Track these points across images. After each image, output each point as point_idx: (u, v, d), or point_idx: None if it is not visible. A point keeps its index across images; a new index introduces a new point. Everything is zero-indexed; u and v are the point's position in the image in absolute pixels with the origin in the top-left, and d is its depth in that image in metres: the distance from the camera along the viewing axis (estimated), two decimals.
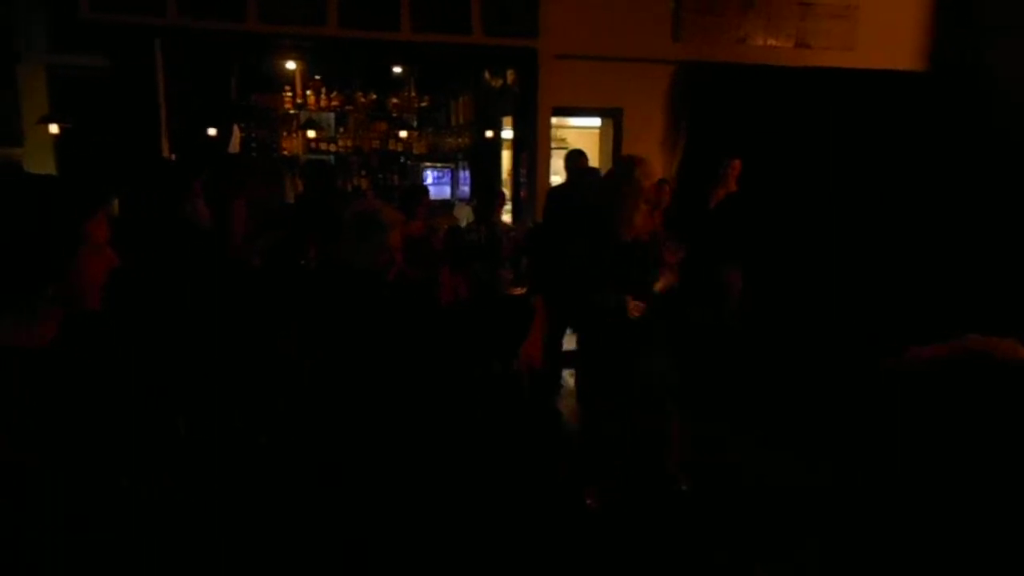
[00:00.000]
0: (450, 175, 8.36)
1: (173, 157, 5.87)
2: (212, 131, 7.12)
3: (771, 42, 6.83)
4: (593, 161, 6.94)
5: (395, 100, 8.29)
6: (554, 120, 7.14)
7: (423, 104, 8.42)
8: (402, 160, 8.43)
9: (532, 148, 6.54)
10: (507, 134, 7.58)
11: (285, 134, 8.02)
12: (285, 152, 7.94)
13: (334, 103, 8.10)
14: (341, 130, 8.31)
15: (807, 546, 2.97)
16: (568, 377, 6.13)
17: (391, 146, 8.32)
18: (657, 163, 6.80)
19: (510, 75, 6.97)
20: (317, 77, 8.01)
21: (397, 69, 8.28)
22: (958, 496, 0.54)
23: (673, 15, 6.62)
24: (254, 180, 5.48)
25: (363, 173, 8.20)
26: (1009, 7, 6.74)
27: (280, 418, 2.37)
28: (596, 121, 7.48)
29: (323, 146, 8.12)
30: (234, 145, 7.38)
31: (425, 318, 2.72)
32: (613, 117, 6.90)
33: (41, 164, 6.77)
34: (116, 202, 4.18)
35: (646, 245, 3.80)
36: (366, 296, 2.50)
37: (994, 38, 6.81)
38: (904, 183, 6.53)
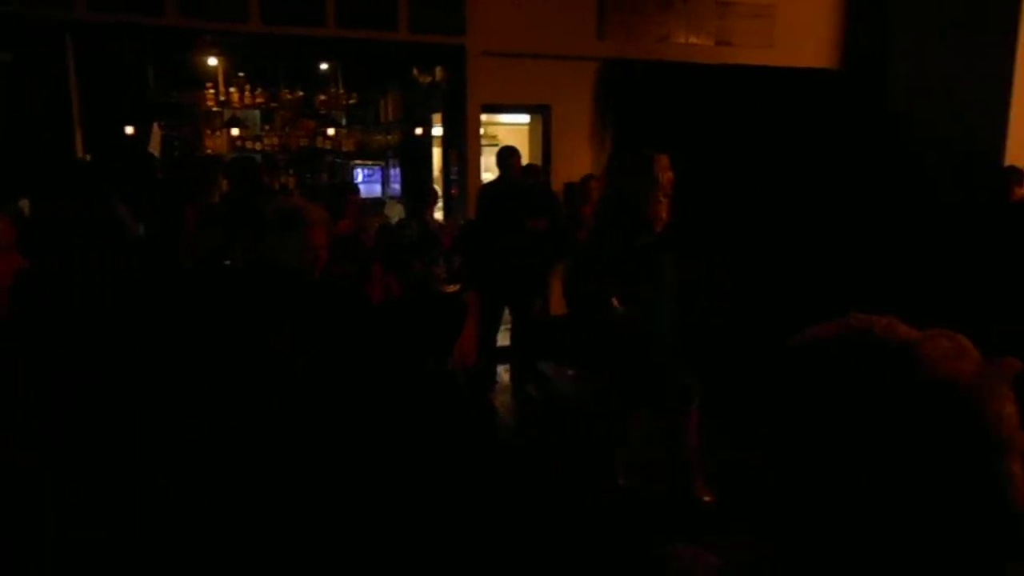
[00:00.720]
0: (380, 173, 8.29)
1: (88, 157, 5.65)
2: (129, 130, 6.88)
3: (692, 40, 7.01)
4: (524, 158, 7.01)
5: (322, 97, 8.17)
6: (484, 117, 7.16)
7: (351, 101, 8.32)
8: (331, 158, 8.31)
9: (462, 145, 6.55)
10: (437, 131, 7.57)
11: (208, 132, 7.80)
12: (209, 150, 7.72)
13: (259, 100, 7.93)
14: (267, 128, 8.13)
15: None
16: (503, 373, 6.18)
17: (319, 144, 8.19)
18: (585, 159, 6.93)
19: (439, 72, 6.96)
20: (241, 74, 7.82)
21: (324, 66, 8.17)
22: (839, 473, 0.58)
23: (597, 13, 6.73)
24: (209, 185, 5.37)
25: (290, 171, 8.05)
26: (914, 9, 7.09)
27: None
28: (525, 118, 7.55)
29: (248, 144, 7.93)
30: (154, 144, 7.14)
31: (354, 316, 2.70)
32: (542, 114, 6.97)
33: None
34: (27, 203, 4.01)
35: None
36: (290, 294, 2.47)
37: (900, 38, 7.16)
38: (818, 176, 6.82)
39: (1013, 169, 6.28)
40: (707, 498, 3.89)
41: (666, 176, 3.81)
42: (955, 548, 0.54)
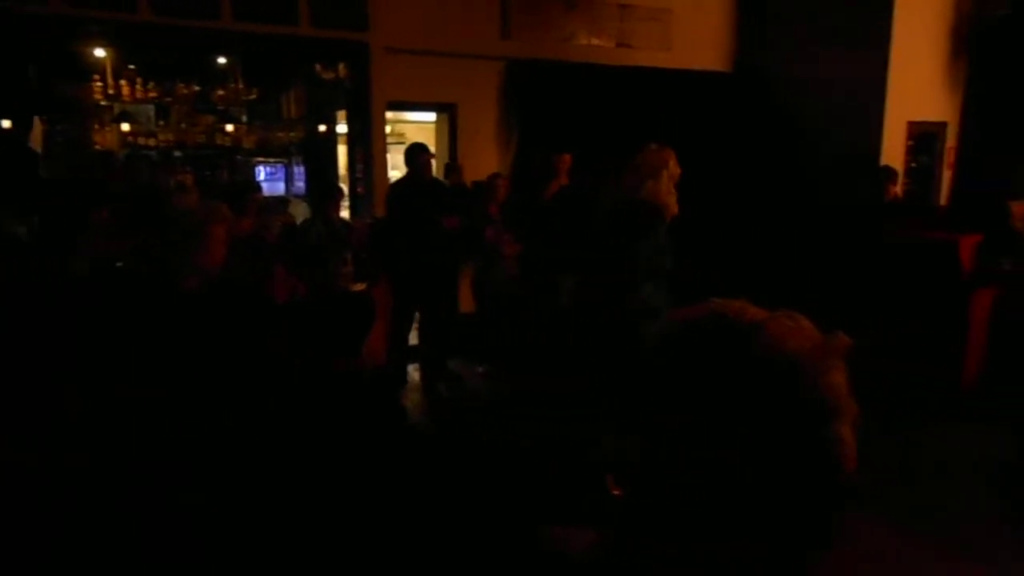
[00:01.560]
0: (284, 171, 8.09)
1: None
2: (6, 123, 6.45)
3: (594, 41, 7.19)
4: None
5: (220, 92, 7.89)
6: (390, 115, 7.12)
7: (251, 97, 8.07)
8: (234, 156, 8.05)
9: (368, 143, 6.49)
10: (342, 128, 7.46)
11: (97, 127, 7.40)
12: (98, 146, 7.33)
13: (152, 94, 7.58)
14: (161, 124, 7.80)
15: None
16: (413, 372, 6.16)
17: (218, 140, 7.91)
18: (491, 158, 6.99)
19: (342, 68, 6.86)
20: (132, 66, 7.46)
21: (222, 60, 7.89)
22: (696, 440, 0.64)
23: (501, 13, 6.80)
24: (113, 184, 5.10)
25: (188, 169, 7.75)
26: (796, 18, 7.51)
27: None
28: (432, 116, 7.55)
29: (141, 140, 7.58)
30: (35, 139, 6.72)
31: (255, 318, 2.65)
32: (448, 112, 6.99)
33: None
34: None
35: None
36: (187, 298, 2.41)
37: (784, 45, 7.57)
38: (713, 174, 7.13)
39: (887, 169, 6.77)
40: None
41: (677, 171, 4.09)
42: (791, 502, 0.61)
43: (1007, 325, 5.40)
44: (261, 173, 8.00)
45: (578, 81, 6.95)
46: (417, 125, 8.79)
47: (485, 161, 6.88)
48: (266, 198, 6.39)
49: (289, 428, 2.47)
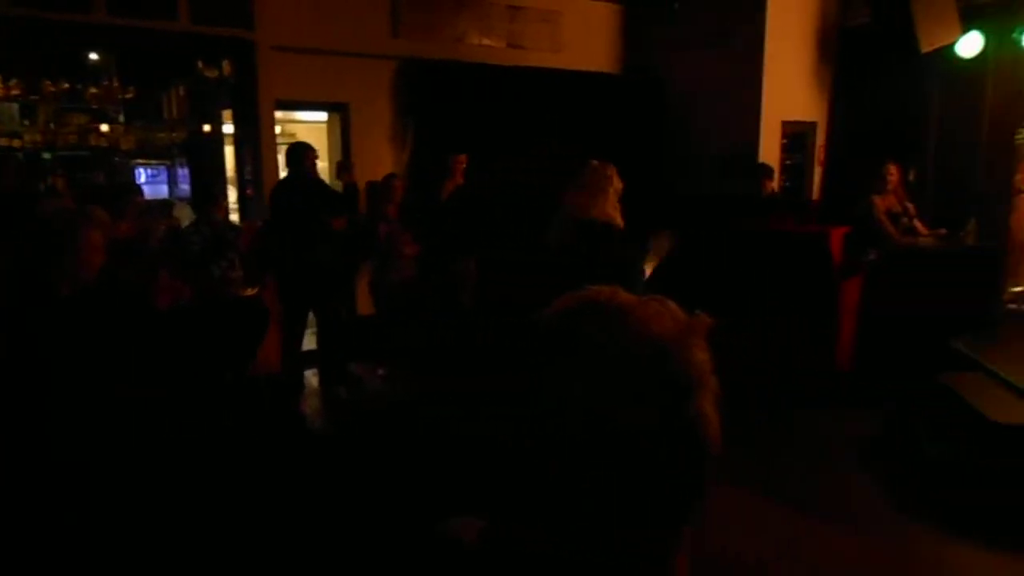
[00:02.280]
0: (166, 172, 7.73)
1: None
2: None
3: (486, 42, 7.25)
4: (323, 157, 6.87)
5: (94, 90, 7.43)
6: (279, 114, 6.93)
7: (128, 95, 7.65)
8: (111, 157, 7.60)
9: (256, 143, 6.29)
10: (229, 128, 7.20)
11: None
12: None
13: (15, 92, 7.06)
14: (27, 123, 7.28)
15: None
16: (311, 377, 6.03)
17: (92, 141, 7.45)
18: (386, 157, 6.93)
19: (227, 66, 6.62)
20: None
21: (94, 56, 7.44)
22: (572, 417, 0.68)
23: (391, 11, 6.75)
24: None
25: (59, 171, 7.26)
26: (678, 25, 7.82)
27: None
28: (323, 115, 7.40)
29: (3, 141, 7.05)
30: None
31: (136, 325, 2.53)
32: (339, 112, 6.87)
33: None
34: None
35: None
36: (62, 304, 2.28)
37: (668, 50, 7.88)
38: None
39: (764, 165, 7.17)
40: None
41: (620, 185, 4.22)
42: (662, 475, 0.66)
43: (873, 312, 5.83)
44: (142, 175, 7.61)
45: (471, 81, 6.99)
46: (308, 125, 8.59)
47: (380, 161, 6.81)
48: (148, 201, 6.10)
49: (178, 436, 2.38)
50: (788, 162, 7.93)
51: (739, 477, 4.08)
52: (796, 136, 7.89)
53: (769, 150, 7.55)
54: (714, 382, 0.71)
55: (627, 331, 0.69)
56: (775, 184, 7.32)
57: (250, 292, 5.26)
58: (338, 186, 6.44)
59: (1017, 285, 6.05)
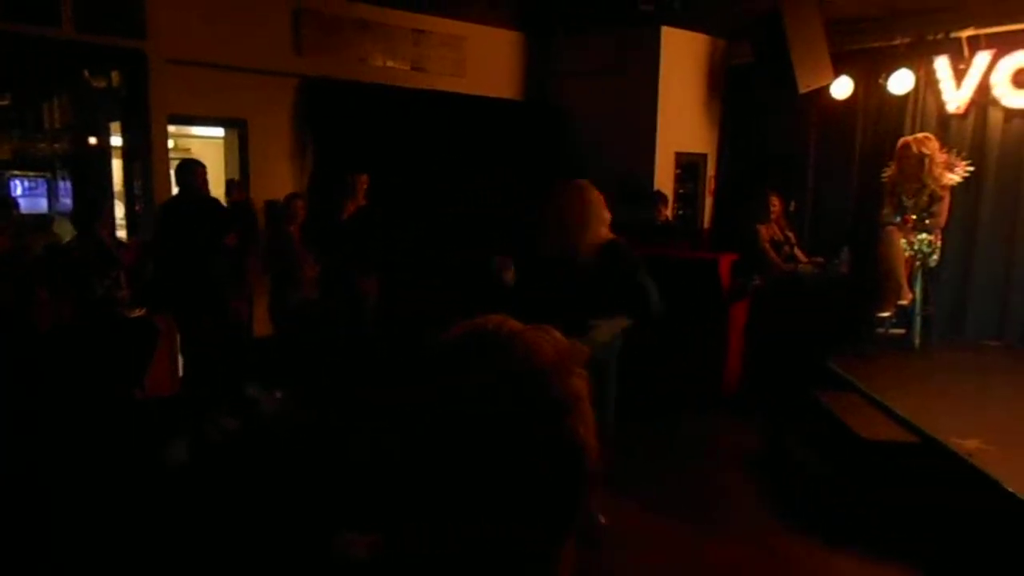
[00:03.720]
0: (46, 186, 7.29)
1: None
2: None
3: (390, 63, 7.26)
4: (219, 174, 6.68)
5: None
6: (173, 129, 6.70)
7: (3, 103, 7.20)
8: None
9: (147, 158, 6.05)
10: (117, 141, 6.88)
11: None
12: None
13: None
14: None
15: None
16: (206, 398, 5.80)
17: None
18: (286, 176, 6.81)
19: (116, 77, 6.35)
20: None
21: None
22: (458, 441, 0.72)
23: (292, 29, 6.67)
24: None
25: None
26: (578, 56, 8.09)
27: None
28: (221, 131, 7.20)
29: None
30: None
31: (12, 345, 2.39)
32: (237, 128, 6.71)
33: None
34: None
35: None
36: None
37: (569, 79, 8.13)
38: (505, 193, 7.48)
39: (659, 193, 7.49)
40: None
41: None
42: (542, 492, 0.71)
43: (757, 334, 6.17)
44: (17, 188, 7.15)
45: (374, 102, 6.98)
46: (204, 140, 8.33)
47: (279, 179, 6.68)
48: (24, 215, 5.75)
49: (60, 459, 2.25)
50: (681, 191, 8.31)
51: (627, 488, 4.22)
52: (689, 166, 8.29)
53: (664, 179, 7.88)
54: (588, 408, 0.76)
55: (510, 357, 0.73)
56: (669, 212, 7.65)
57: (138, 312, 5.03)
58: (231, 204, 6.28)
59: (885, 311, 6.54)
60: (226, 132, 7.03)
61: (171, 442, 5.05)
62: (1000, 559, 3.41)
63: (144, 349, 5.00)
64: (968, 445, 3.99)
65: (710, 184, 8.51)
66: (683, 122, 8.03)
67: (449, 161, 7.32)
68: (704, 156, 8.39)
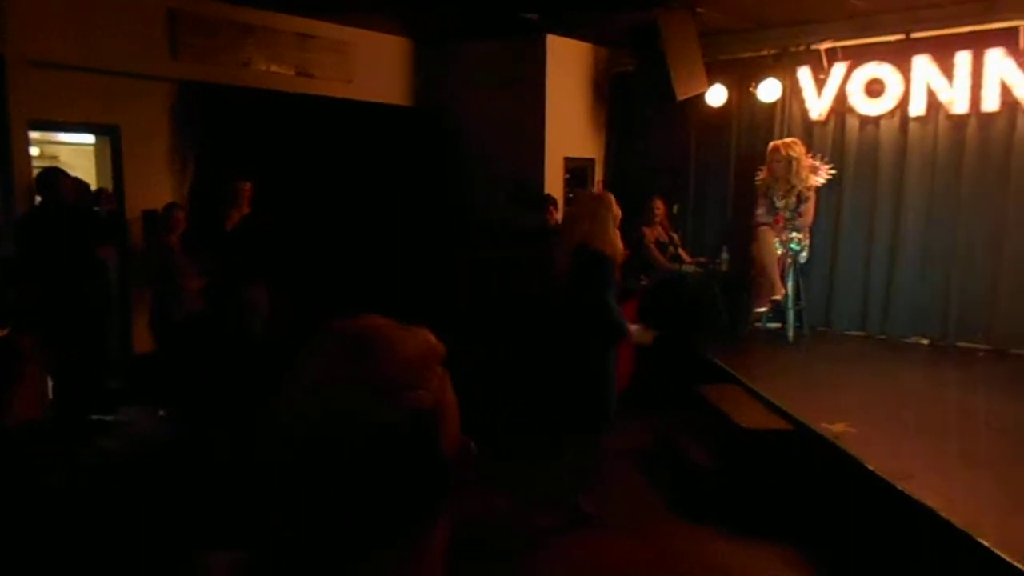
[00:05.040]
0: None
1: None
2: None
3: (274, 68, 7.07)
4: (91, 182, 6.30)
5: None
6: (38, 135, 6.28)
7: None
8: None
9: (7, 166, 5.63)
10: None
11: None
12: None
13: None
14: None
15: None
16: (82, 420, 5.46)
17: None
18: (164, 185, 6.52)
19: None
20: None
21: None
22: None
23: (168, 32, 6.38)
24: None
25: None
26: (468, 63, 8.15)
27: None
28: (91, 138, 6.81)
29: None
30: None
31: None
32: (109, 135, 6.35)
33: None
34: None
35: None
36: None
37: (459, 86, 8.17)
38: (393, 199, 7.44)
39: (549, 197, 7.64)
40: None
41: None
42: (407, 491, 0.72)
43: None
44: None
45: (258, 107, 6.78)
46: (73, 147, 7.84)
47: (157, 188, 6.38)
48: None
49: None
50: (571, 195, 8.50)
51: (518, 488, 4.30)
52: (577, 171, 8.49)
53: (553, 183, 8.05)
54: (448, 404, 0.78)
55: (366, 360, 0.74)
56: (560, 215, 7.81)
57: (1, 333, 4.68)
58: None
59: (761, 306, 6.94)
60: (97, 139, 6.64)
61: (45, 466, 4.72)
62: (866, 533, 3.69)
63: (4, 371, 4.66)
64: (835, 429, 4.30)
65: (598, 188, 8.75)
66: (571, 128, 8.22)
67: (336, 167, 7.20)
68: (592, 161, 8.62)
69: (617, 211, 4.37)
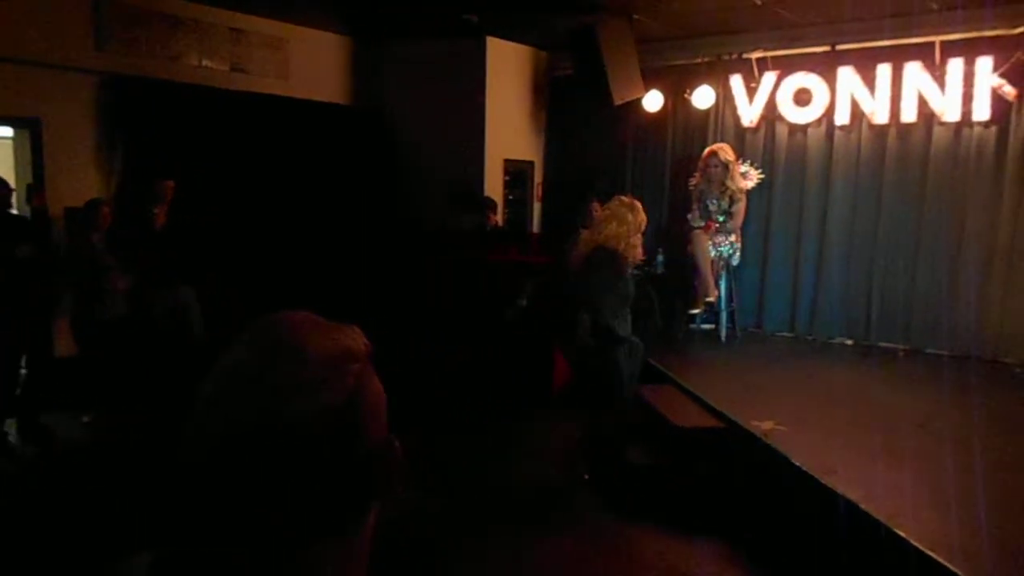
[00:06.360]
0: None
1: None
2: None
3: (206, 63, 6.89)
4: (10, 177, 6.01)
5: None
6: None
7: None
8: None
9: None
10: None
11: None
12: None
13: None
14: None
15: None
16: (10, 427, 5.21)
17: None
18: (89, 181, 6.28)
19: None
20: None
21: None
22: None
23: (94, 23, 6.15)
24: None
25: None
26: (409, 63, 8.09)
27: None
28: (8, 131, 6.49)
29: None
30: None
31: None
32: (29, 128, 6.07)
33: None
34: None
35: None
36: None
37: (398, 86, 8.11)
38: (330, 198, 7.33)
39: (489, 199, 7.66)
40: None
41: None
42: (328, 489, 0.72)
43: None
44: None
45: (189, 103, 6.59)
46: None
47: (80, 184, 6.13)
48: None
49: None
50: (511, 197, 8.54)
51: (457, 492, 4.30)
52: (517, 173, 8.53)
53: (493, 185, 8.07)
54: (372, 402, 0.77)
55: (277, 356, 0.73)
56: (500, 217, 7.84)
57: None
58: (28, 211, 5.70)
59: (695, 308, 7.10)
60: (15, 132, 6.34)
61: None
62: (794, 526, 3.82)
63: None
64: (765, 427, 4.44)
65: (538, 190, 8.81)
66: (511, 130, 8.26)
67: (272, 165, 7.06)
68: (532, 163, 8.68)
69: (642, 219, 4.86)
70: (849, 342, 7.02)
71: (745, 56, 7.23)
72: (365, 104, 8.28)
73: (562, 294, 5.41)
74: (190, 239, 5.86)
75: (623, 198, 5.02)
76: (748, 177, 7.12)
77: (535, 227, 8.80)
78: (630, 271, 4.91)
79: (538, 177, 8.79)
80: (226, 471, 0.69)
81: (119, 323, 5.60)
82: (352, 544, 0.76)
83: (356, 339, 0.80)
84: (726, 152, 7.02)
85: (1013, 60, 6.05)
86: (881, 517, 3.28)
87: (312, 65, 7.84)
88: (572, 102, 8.02)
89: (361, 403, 0.75)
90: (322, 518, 0.72)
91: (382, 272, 6.79)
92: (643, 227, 4.89)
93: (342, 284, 6.35)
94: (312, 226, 7.06)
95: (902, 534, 3.14)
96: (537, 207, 8.85)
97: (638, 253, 4.91)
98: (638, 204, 4.95)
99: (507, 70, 8.10)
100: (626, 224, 4.74)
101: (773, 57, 7.10)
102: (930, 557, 2.99)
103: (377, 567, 0.83)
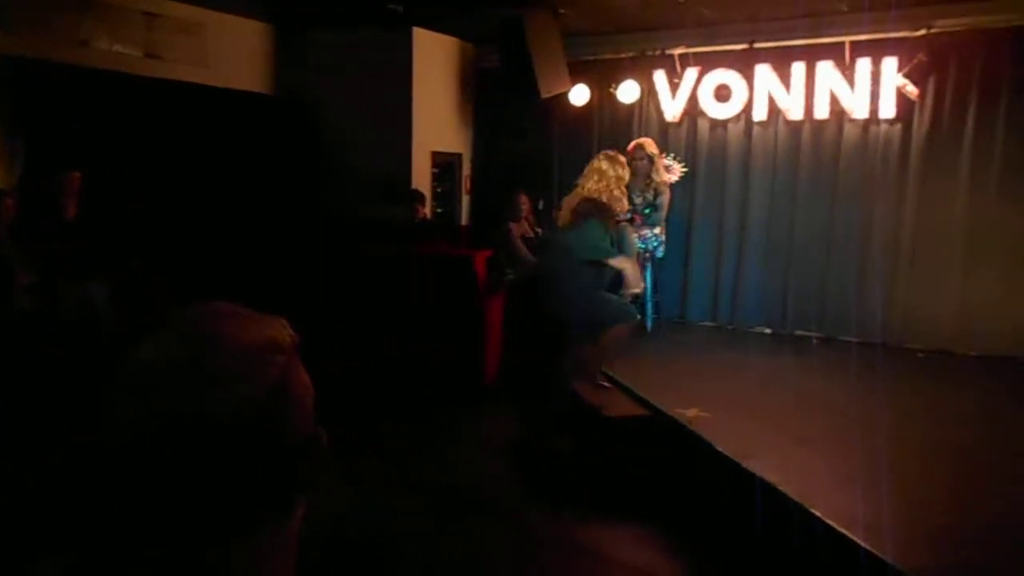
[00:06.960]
0: None
1: None
2: None
3: (118, 48, 6.57)
4: None
5: None
6: None
7: None
8: None
9: None
10: None
11: None
12: None
13: None
14: None
15: None
16: None
17: None
18: None
19: None
20: None
21: None
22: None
23: None
24: None
25: None
26: (333, 52, 7.91)
27: None
28: None
29: None
30: None
31: None
32: None
33: None
34: None
35: None
36: None
37: (322, 75, 7.93)
38: (251, 189, 7.13)
39: (416, 192, 7.60)
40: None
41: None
42: (253, 485, 0.70)
43: (513, 327, 6.51)
44: None
45: (99, 90, 6.27)
46: None
47: None
48: None
49: None
50: (439, 189, 8.49)
51: (385, 486, 4.27)
52: (445, 166, 8.49)
53: (421, 178, 8.00)
54: (297, 395, 0.76)
55: (195, 347, 0.71)
56: (427, 210, 7.78)
57: None
58: None
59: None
60: None
61: None
62: (718, 509, 3.95)
63: None
64: (689, 414, 4.57)
65: (466, 183, 8.79)
66: (438, 122, 8.20)
67: (189, 155, 6.81)
68: (459, 156, 8.64)
69: (624, 174, 5.11)
70: (768, 331, 7.29)
71: (668, 52, 7.38)
72: (287, 94, 8.07)
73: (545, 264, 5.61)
74: (106, 229, 5.62)
75: (607, 152, 5.28)
76: (672, 171, 7.28)
77: (464, 219, 8.78)
78: (618, 220, 5.15)
79: (466, 169, 8.77)
80: (142, 464, 0.67)
81: (24, 318, 5.31)
82: (277, 539, 0.75)
83: (282, 331, 0.78)
84: (651, 146, 7.16)
85: (915, 61, 6.39)
86: (797, 497, 3.43)
87: (231, 53, 7.59)
88: (499, 95, 8.02)
89: (286, 396, 0.73)
90: (243, 513, 0.71)
91: (305, 264, 6.65)
92: (627, 179, 5.18)
93: (264, 275, 6.19)
94: (234, 217, 6.85)
95: (817, 513, 3.29)
96: (466, 199, 8.83)
97: (623, 205, 5.17)
98: (621, 158, 5.22)
99: (434, 61, 8.04)
100: (605, 178, 4.99)
101: (695, 53, 7.28)
102: (842, 534, 3.14)
103: (323, 561, 0.81)
